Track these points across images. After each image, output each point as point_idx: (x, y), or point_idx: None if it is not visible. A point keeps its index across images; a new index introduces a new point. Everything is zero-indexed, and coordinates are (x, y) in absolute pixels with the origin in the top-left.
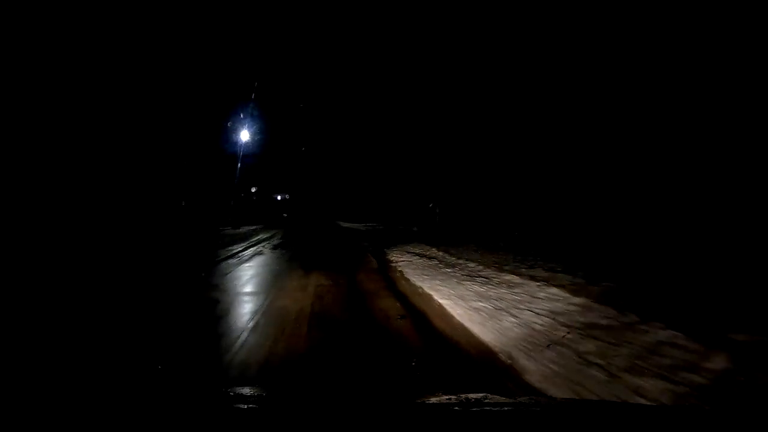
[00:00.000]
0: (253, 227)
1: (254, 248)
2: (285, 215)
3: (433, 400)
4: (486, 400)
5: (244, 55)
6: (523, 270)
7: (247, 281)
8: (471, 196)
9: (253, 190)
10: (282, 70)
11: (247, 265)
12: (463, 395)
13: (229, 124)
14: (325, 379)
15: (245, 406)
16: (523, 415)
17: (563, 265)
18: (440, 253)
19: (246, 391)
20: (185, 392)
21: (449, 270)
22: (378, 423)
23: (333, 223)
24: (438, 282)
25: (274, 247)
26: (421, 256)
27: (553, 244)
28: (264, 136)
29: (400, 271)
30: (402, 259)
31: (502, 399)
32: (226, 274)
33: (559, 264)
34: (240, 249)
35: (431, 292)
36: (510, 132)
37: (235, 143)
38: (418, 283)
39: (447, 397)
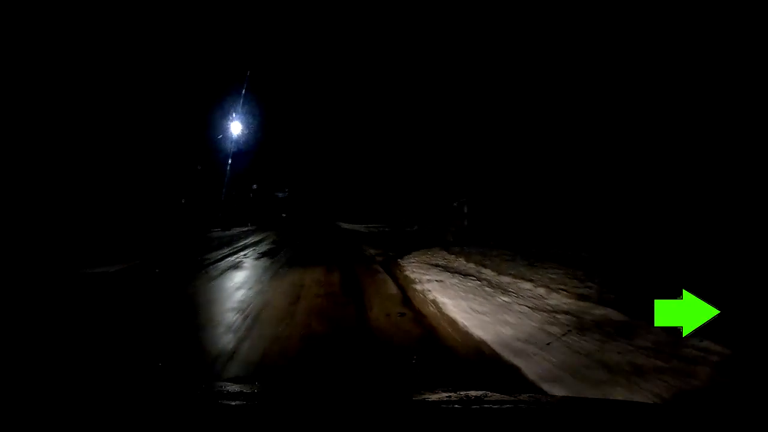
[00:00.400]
0: (245, 229)
1: (234, 257)
2: (283, 215)
3: (434, 397)
4: (486, 398)
5: (239, 45)
6: (611, 296)
7: (198, 321)
8: (500, 193)
9: (254, 187)
10: (282, 64)
11: (211, 285)
12: (463, 393)
13: (219, 119)
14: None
15: (242, 404)
16: (523, 412)
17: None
18: (473, 266)
19: (244, 388)
20: (173, 389)
21: (505, 298)
22: (379, 421)
23: (332, 224)
24: (509, 329)
25: (260, 256)
26: (451, 271)
27: (587, 244)
28: (262, 133)
29: (434, 302)
30: (427, 276)
31: (503, 397)
32: (174, 306)
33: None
34: (217, 258)
35: (513, 360)
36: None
37: (227, 139)
38: (477, 332)
39: (447, 394)
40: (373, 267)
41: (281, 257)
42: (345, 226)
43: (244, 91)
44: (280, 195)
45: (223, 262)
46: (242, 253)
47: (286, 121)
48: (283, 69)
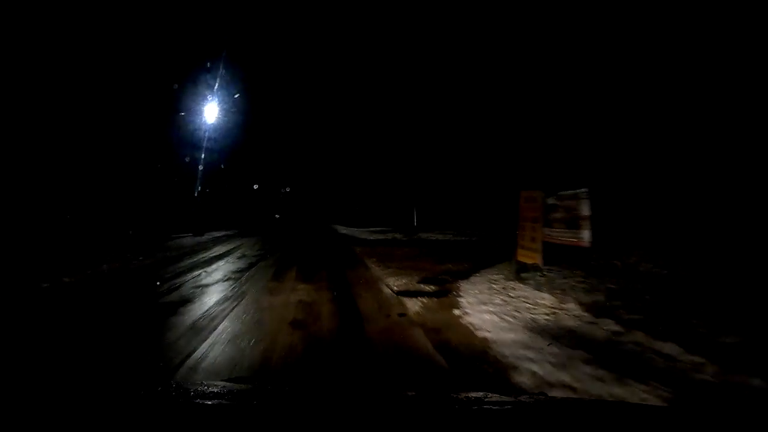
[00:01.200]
0: (221, 234)
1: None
2: (277, 216)
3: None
4: (486, 399)
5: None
6: None
7: None
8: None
9: (255, 187)
10: (281, 53)
11: None
12: (463, 394)
13: (190, 105)
14: None
15: (243, 403)
16: (522, 413)
17: None
18: (642, 336)
19: (240, 386)
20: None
21: None
22: (378, 421)
23: (329, 227)
24: None
25: (199, 295)
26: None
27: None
28: (260, 130)
29: None
30: None
31: (503, 398)
32: None
33: None
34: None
35: None
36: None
37: (201, 126)
38: None
39: (447, 395)
40: (415, 347)
41: (237, 289)
42: (343, 231)
43: (219, 75)
44: (280, 194)
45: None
46: (183, 280)
47: (285, 117)
48: (281, 58)
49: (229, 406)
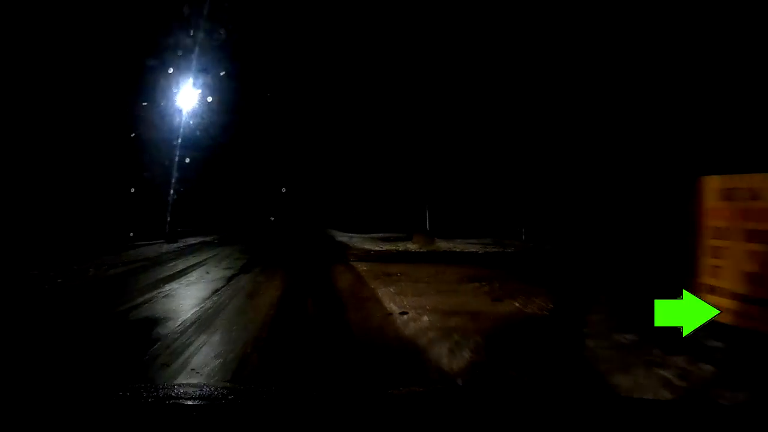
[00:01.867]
0: (197, 241)
1: None
2: (272, 219)
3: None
4: (485, 394)
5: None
6: None
7: None
8: None
9: (254, 185)
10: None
11: None
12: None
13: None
14: None
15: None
16: (523, 410)
17: None
18: None
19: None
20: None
21: None
22: (369, 415)
23: (324, 233)
24: None
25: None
26: None
27: None
28: (252, 122)
29: None
30: None
31: (504, 393)
32: None
33: None
34: None
35: None
36: None
37: (178, 118)
38: None
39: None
40: None
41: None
42: (341, 237)
43: (200, 51)
44: (280, 192)
45: None
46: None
47: (284, 108)
48: (282, 43)
49: (213, 407)
